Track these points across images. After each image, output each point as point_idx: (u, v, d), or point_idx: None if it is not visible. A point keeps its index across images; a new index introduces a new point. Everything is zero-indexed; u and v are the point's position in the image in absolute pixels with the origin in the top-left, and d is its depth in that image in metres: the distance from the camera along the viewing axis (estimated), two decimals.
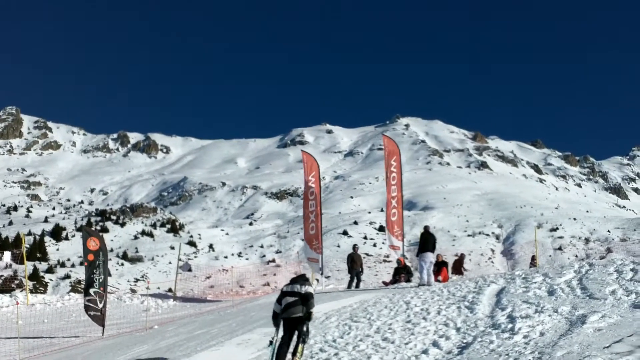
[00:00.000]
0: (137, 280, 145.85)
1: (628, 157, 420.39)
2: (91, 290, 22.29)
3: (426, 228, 25.28)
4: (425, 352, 12.27)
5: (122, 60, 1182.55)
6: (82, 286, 35.33)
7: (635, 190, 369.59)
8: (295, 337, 12.53)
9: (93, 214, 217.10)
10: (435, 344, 12.83)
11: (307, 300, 12.44)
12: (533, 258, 34.40)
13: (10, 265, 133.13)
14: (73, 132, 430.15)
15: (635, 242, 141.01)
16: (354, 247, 30.19)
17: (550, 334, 11.97)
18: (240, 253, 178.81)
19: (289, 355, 12.38)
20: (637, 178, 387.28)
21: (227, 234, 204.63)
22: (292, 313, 12.40)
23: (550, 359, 10.05)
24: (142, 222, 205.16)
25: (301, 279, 12.85)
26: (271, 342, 12.50)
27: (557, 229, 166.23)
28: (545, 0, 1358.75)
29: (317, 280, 28.39)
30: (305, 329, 12.34)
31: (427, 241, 23.88)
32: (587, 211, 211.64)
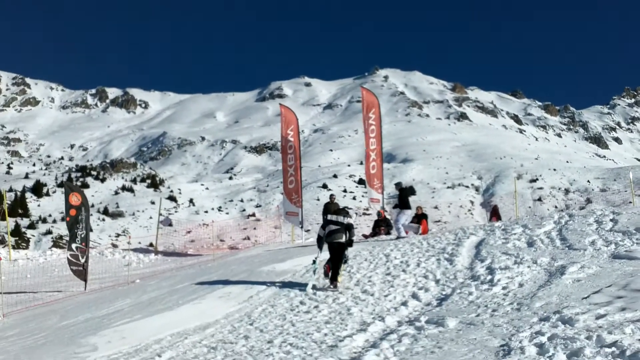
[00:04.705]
0: (118, 235, 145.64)
1: (608, 106, 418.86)
2: (73, 246, 22.26)
3: (399, 184, 24.96)
4: (404, 304, 12.33)
5: (99, 16, 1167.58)
6: (64, 242, 35.27)
7: (616, 139, 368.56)
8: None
9: (73, 169, 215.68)
10: (414, 296, 12.91)
11: (349, 229, 15.03)
12: (495, 210, 32.48)
13: None
14: (51, 88, 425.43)
15: (615, 192, 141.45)
16: (331, 196, 28.86)
17: (529, 285, 12.06)
18: (220, 207, 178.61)
19: (330, 275, 14.73)
20: (617, 127, 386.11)
21: (207, 188, 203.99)
22: (336, 239, 14.93)
23: (529, 310, 10.13)
24: (123, 178, 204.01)
25: (343, 211, 15.57)
26: (314, 261, 15.23)
27: (537, 179, 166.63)
28: None
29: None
30: (346, 252, 15.08)
31: (405, 197, 23.80)
32: (567, 161, 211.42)
